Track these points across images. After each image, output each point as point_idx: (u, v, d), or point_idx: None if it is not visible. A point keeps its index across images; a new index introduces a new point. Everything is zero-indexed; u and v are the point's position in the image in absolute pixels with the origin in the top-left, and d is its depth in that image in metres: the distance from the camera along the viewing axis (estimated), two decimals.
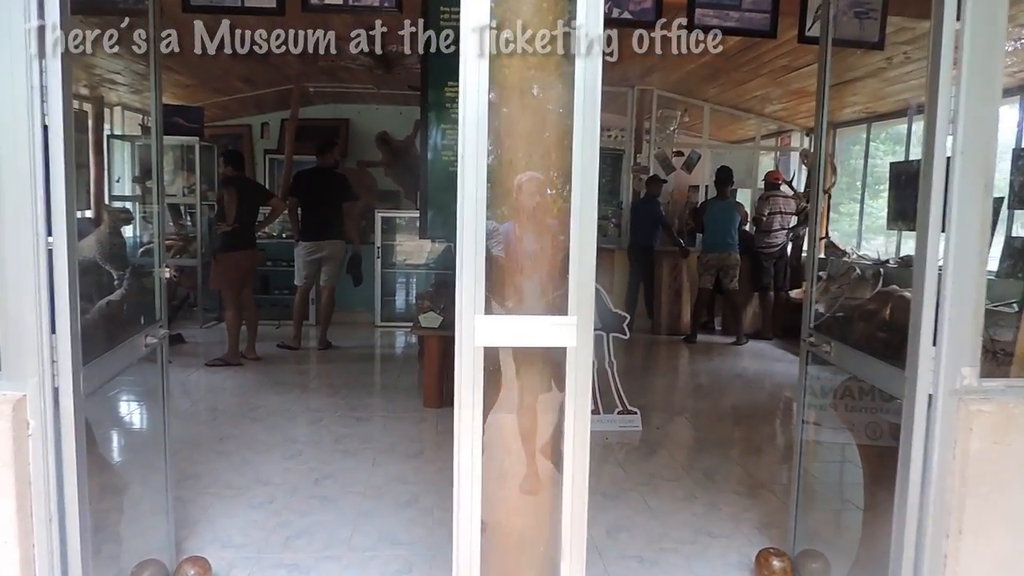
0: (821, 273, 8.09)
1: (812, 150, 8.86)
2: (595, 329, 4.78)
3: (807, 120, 8.77)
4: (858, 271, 7.45)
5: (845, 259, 7.84)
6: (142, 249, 7.88)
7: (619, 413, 4.58)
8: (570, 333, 1.68)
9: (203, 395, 5.14)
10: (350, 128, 9.61)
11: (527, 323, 1.71)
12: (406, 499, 3.39)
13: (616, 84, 8.00)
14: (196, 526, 3.07)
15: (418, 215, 4.80)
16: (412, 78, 8.18)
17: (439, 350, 4.87)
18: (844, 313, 6.96)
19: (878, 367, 2.16)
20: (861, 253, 7.77)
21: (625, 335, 4.78)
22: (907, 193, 7.41)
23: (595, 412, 4.55)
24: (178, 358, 6.28)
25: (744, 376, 6.29)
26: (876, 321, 6.41)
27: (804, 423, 2.76)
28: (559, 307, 1.72)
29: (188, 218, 8.31)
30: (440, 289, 6.27)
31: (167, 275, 2.73)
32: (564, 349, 1.69)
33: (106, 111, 7.69)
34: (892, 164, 7.13)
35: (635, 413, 4.60)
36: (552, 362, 1.81)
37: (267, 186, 9.55)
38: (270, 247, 8.23)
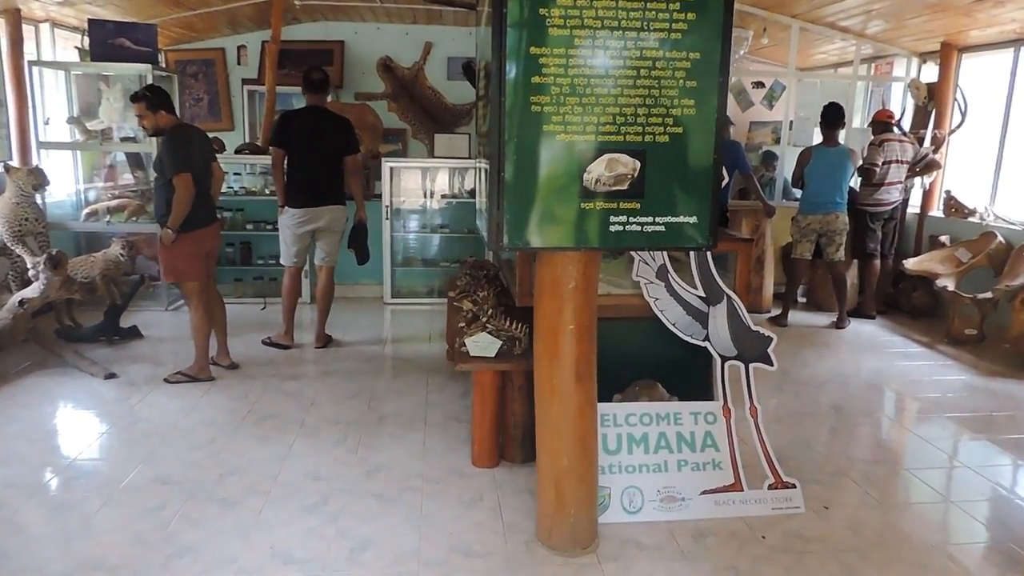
0: (943, 237, 6.52)
1: (923, 80, 7.15)
2: (729, 357, 3.24)
3: (916, 42, 7.01)
4: (1000, 239, 5.87)
5: (975, 221, 6.25)
6: (87, 211, 6.22)
7: (771, 487, 3.08)
8: None
9: (152, 445, 3.61)
10: (345, 52, 7.82)
11: None
12: None
13: None
14: None
15: (478, 206, 3.13)
16: None
17: (494, 389, 3.32)
18: (995, 296, 5.39)
19: None
20: (998, 214, 6.16)
21: (772, 366, 3.23)
22: None
23: (735, 487, 3.05)
24: (130, 365, 4.73)
25: (881, 384, 4.78)
26: None
27: None
28: None
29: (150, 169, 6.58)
30: (477, 272, 4.67)
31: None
32: None
33: (28, 28, 5.89)
34: None
35: (793, 487, 3.10)
36: None
37: (247, 128, 7.90)
38: (251, 206, 6.58)
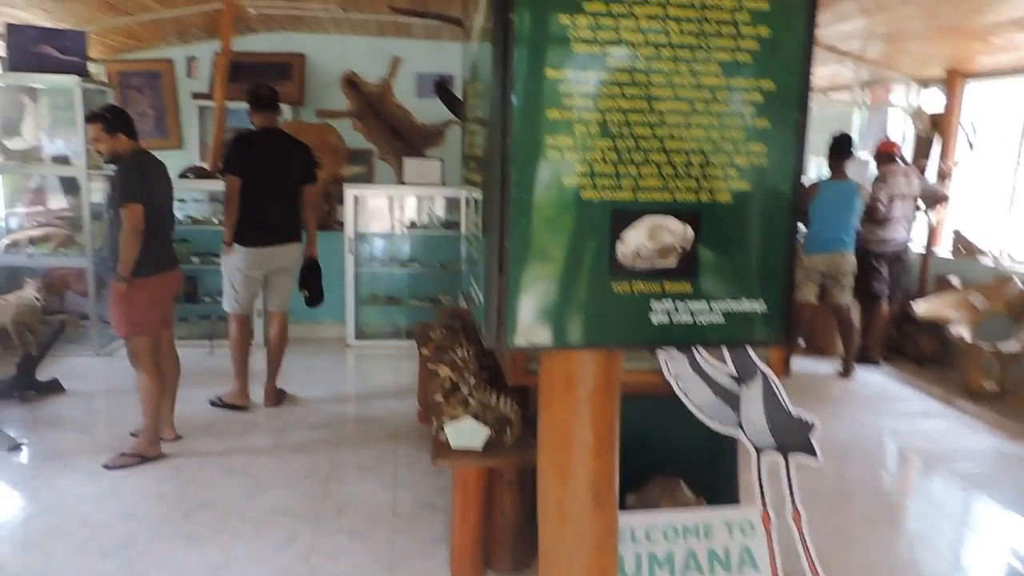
0: (953, 278, 6.07)
1: (927, 111, 6.75)
2: (765, 448, 2.66)
3: (917, 67, 6.62)
4: (1019, 283, 5.42)
5: (986, 262, 5.83)
6: (6, 241, 5.46)
7: None
8: None
9: (51, 548, 2.90)
10: (306, 65, 7.19)
11: None
12: None
13: None
14: None
15: (467, 275, 2.49)
16: None
17: (480, 485, 2.70)
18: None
19: None
20: (1013, 256, 5.73)
21: (816, 458, 2.67)
22: None
23: None
24: (43, 430, 4.02)
25: (908, 452, 4.30)
26: None
27: None
28: None
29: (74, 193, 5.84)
30: (454, 322, 4.05)
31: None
32: None
33: None
34: None
35: None
36: None
37: (198, 147, 7.20)
38: (197, 237, 5.87)
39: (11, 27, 5.03)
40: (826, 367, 5.84)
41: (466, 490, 2.68)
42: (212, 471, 3.61)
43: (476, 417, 2.74)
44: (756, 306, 1.67)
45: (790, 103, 1.63)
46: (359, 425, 4.35)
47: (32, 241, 5.42)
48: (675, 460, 2.79)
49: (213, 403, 4.44)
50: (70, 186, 5.88)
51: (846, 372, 5.60)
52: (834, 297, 5.50)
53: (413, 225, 6.31)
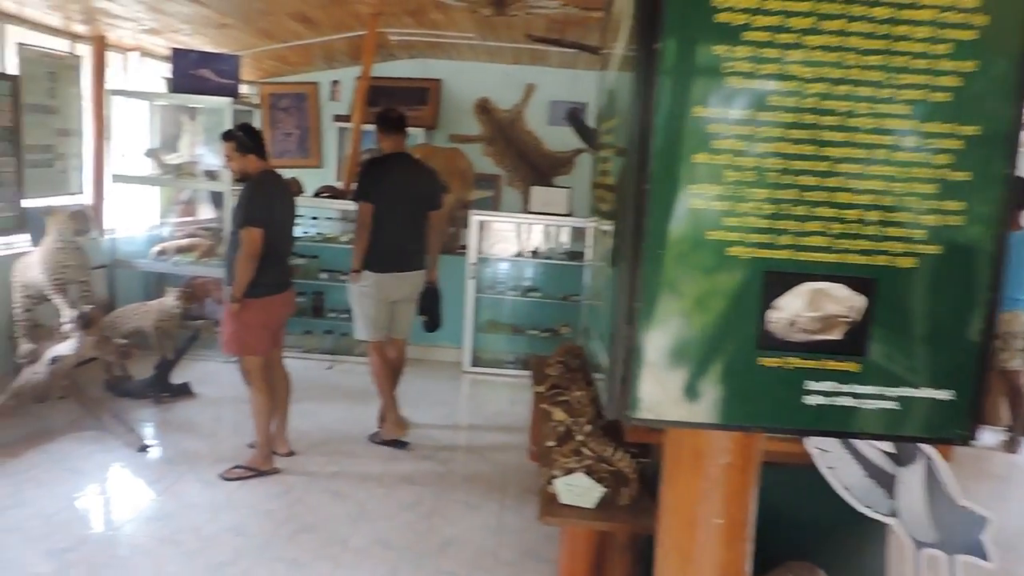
0: None
1: None
2: (925, 544, 2.29)
3: None
4: None
5: None
6: (156, 249, 5.81)
7: None
8: None
9: (162, 560, 2.95)
10: (442, 91, 7.27)
11: None
12: None
13: None
14: None
15: (591, 271, 2.29)
16: (532, 25, 5.76)
17: (589, 548, 2.49)
18: None
19: None
20: None
21: (988, 561, 2.26)
22: None
23: None
24: (170, 433, 4.18)
25: None
26: None
27: None
28: None
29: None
30: (572, 360, 3.86)
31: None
32: None
33: (117, 56, 5.59)
34: None
35: None
36: None
37: (337, 166, 7.44)
38: (327, 254, 6.03)
39: (175, 52, 5.38)
40: (988, 437, 5.16)
41: (574, 551, 2.47)
42: (320, 493, 3.60)
43: (589, 471, 2.54)
44: (941, 395, 1.38)
45: (996, 153, 1.35)
46: (468, 457, 4.24)
47: (179, 250, 5.74)
48: (811, 544, 2.46)
49: (375, 442, 4.31)
50: (218, 199, 6.21)
51: (1012, 446, 4.92)
52: (1003, 360, 4.85)
53: (537, 253, 6.19)
